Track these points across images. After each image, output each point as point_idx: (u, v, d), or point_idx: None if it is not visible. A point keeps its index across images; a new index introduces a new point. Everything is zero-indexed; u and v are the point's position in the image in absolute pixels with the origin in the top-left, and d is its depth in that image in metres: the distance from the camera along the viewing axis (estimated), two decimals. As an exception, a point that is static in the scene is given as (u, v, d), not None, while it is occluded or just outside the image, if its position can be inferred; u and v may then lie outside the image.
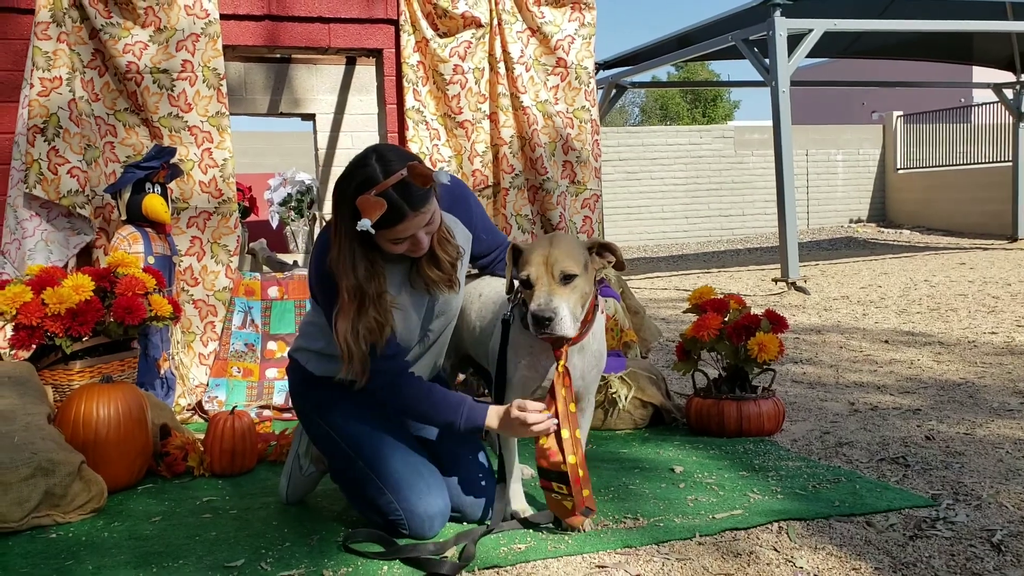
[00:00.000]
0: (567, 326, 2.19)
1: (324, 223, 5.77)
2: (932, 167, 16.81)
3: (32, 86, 3.82)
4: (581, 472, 2.31)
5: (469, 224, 2.53)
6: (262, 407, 4.04)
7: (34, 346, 3.16)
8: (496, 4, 4.31)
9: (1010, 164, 13.79)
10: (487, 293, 2.55)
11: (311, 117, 6.95)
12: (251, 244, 6.38)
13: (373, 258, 2.28)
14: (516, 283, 2.34)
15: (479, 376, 3.30)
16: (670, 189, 16.53)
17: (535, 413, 2.26)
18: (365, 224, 2.13)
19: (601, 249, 2.36)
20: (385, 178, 2.15)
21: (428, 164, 4.27)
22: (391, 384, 2.34)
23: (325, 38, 4.25)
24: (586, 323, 2.33)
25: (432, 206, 2.23)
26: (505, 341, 2.38)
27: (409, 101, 4.27)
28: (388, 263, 2.34)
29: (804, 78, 15.94)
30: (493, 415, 2.32)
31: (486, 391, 2.47)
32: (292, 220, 7.15)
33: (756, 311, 3.48)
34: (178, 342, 4.01)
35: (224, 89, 4.09)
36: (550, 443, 2.30)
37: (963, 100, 21.73)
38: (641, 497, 2.63)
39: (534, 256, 2.23)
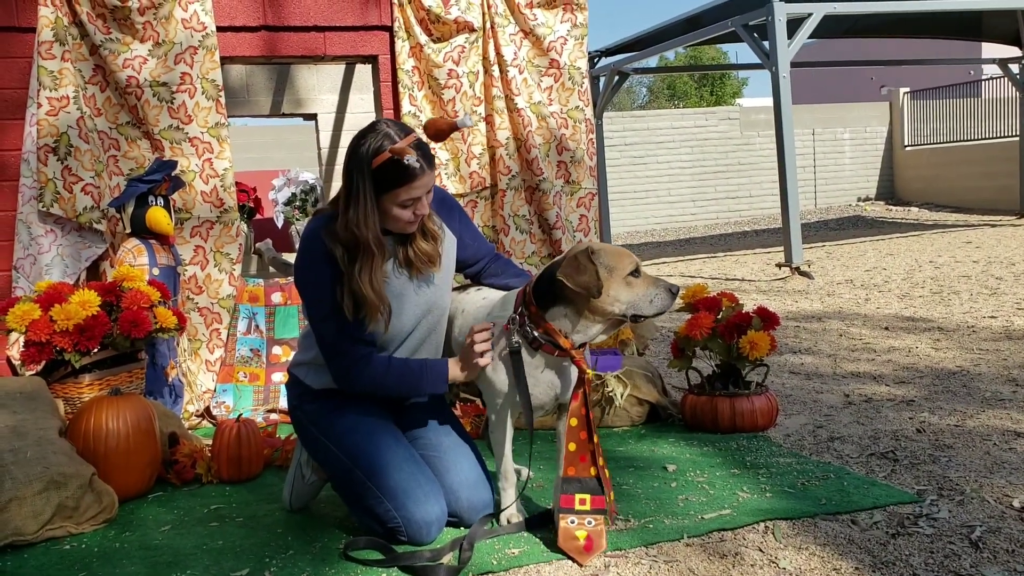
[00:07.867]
0: None
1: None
2: (940, 143, 16.74)
3: (40, 105, 3.89)
4: (607, 472, 2.42)
5: (452, 228, 2.62)
6: (269, 411, 4.13)
7: (44, 361, 3.26)
8: (489, 8, 4.35)
9: (1018, 139, 13.72)
10: (470, 309, 2.66)
11: (313, 117, 7.01)
12: (257, 244, 6.47)
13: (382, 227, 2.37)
14: (515, 315, 2.39)
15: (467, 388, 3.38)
16: (676, 172, 16.54)
17: (479, 334, 2.39)
18: (411, 159, 2.23)
19: None
20: (403, 137, 2.26)
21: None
22: (351, 367, 2.42)
23: (321, 46, 4.31)
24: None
25: (436, 171, 2.32)
26: (520, 370, 2.41)
27: (405, 106, 4.33)
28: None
29: (808, 56, 15.84)
30: (452, 363, 2.46)
31: (479, 401, 2.54)
32: (297, 219, 7.25)
33: (758, 297, 3.55)
34: (184, 350, 4.10)
35: (223, 100, 4.16)
36: (579, 448, 2.36)
37: (972, 73, 21.55)
38: (634, 497, 2.70)
39: (627, 259, 2.35)
